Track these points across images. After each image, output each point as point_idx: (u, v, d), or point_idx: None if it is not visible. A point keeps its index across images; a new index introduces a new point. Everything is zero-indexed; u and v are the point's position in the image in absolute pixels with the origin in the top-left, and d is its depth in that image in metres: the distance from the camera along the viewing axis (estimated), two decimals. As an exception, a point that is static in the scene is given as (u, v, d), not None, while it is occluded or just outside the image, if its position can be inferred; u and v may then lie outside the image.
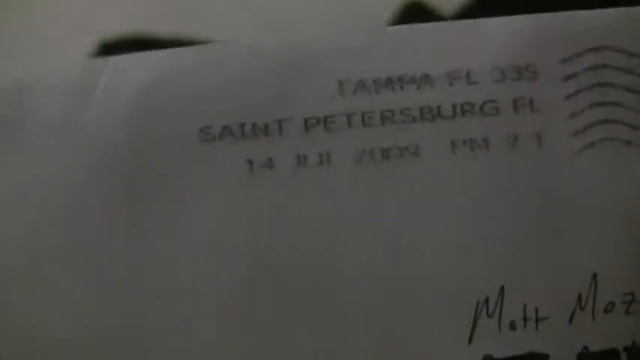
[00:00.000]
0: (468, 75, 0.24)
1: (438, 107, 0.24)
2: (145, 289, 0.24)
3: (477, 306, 0.25)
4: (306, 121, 0.24)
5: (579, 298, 0.25)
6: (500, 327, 0.25)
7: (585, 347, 0.25)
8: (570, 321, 0.25)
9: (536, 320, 0.25)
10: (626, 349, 0.25)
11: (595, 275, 0.25)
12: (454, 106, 0.24)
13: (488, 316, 0.25)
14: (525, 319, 0.25)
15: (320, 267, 0.24)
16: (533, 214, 0.25)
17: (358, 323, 0.25)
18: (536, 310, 0.25)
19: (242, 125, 0.24)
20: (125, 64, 0.24)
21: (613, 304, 0.25)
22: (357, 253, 0.24)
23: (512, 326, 0.25)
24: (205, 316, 0.24)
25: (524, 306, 0.25)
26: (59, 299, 0.24)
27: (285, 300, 0.24)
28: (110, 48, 0.30)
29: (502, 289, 0.25)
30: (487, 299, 0.25)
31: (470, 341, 0.25)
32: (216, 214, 0.24)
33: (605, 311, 0.25)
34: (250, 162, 0.24)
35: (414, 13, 0.33)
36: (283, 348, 0.25)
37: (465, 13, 0.33)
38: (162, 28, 0.28)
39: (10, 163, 0.24)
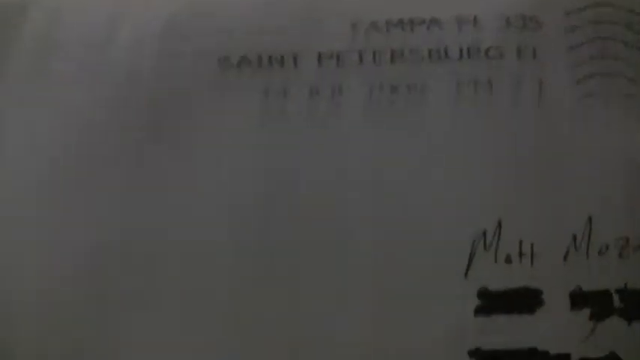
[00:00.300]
0: (475, 20, 0.26)
1: (446, 48, 0.26)
2: (166, 204, 0.25)
3: (475, 239, 0.26)
4: (319, 55, 0.26)
5: (574, 238, 0.26)
6: (496, 260, 0.26)
7: (578, 286, 0.26)
8: (565, 259, 0.26)
9: (532, 256, 0.26)
10: (618, 291, 0.26)
11: (590, 218, 0.26)
12: (461, 49, 0.26)
13: (485, 249, 0.26)
14: (521, 254, 0.26)
15: (328, 194, 0.26)
16: (533, 155, 0.26)
17: (361, 252, 0.26)
18: (532, 246, 0.26)
19: (259, 56, 0.26)
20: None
21: (607, 246, 0.26)
22: (363, 182, 0.26)
23: (508, 260, 0.26)
24: (220, 236, 0.25)
25: (521, 242, 0.26)
26: (88, 209, 0.25)
27: (294, 228, 0.26)
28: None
29: (500, 222, 0.26)
30: (485, 232, 0.26)
31: (466, 274, 0.26)
32: (232, 138, 0.26)
33: (599, 253, 0.26)
34: (266, 91, 0.26)
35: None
36: (291, 273, 0.26)
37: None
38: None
39: (45, 80, 0.26)
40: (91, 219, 0.24)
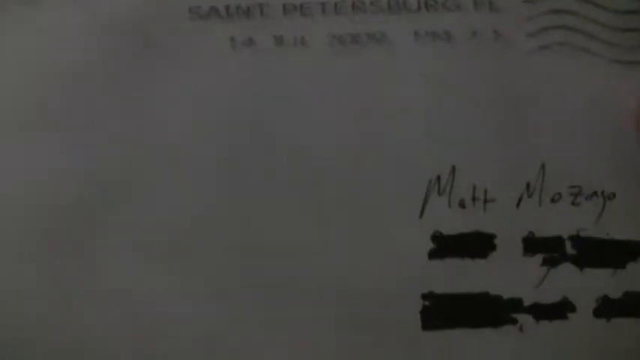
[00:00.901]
0: None
1: (405, 1, 0.27)
2: (142, 141, 0.26)
3: (429, 183, 0.26)
4: (284, 5, 0.27)
5: (527, 185, 0.26)
6: (450, 204, 0.26)
7: (531, 232, 0.26)
8: (517, 206, 0.26)
9: (485, 201, 0.26)
10: (571, 238, 0.26)
11: (544, 165, 0.26)
12: (419, 1, 0.27)
13: (439, 194, 0.26)
14: (474, 199, 0.26)
15: (295, 135, 0.26)
16: (489, 103, 0.26)
17: (329, 192, 0.26)
18: (485, 191, 0.26)
19: (227, 6, 0.27)
20: None
21: (560, 194, 0.26)
22: (326, 127, 0.26)
23: (462, 204, 0.26)
24: (192, 173, 0.26)
25: (474, 187, 0.26)
26: (69, 142, 0.26)
27: (265, 171, 0.26)
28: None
29: (453, 168, 0.26)
30: (439, 177, 0.26)
31: (421, 216, 0.26)
32: (202, 83, 0.27)
33: (552, 201, 0.26)
34: (233, 39, 0.27)
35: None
36: (267, 214, 0.26)
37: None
38: None
39: (29, 29, 0.27)
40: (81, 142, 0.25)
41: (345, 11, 0.27)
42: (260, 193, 0.26)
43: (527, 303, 0.26)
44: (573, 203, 0.26)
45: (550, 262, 0.26)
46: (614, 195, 0.26)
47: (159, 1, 0.27)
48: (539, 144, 0.26)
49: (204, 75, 0.26)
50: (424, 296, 0.26)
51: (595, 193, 0.26)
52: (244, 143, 0.26)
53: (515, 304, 0.26)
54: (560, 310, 0.26)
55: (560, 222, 0.26)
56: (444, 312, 0.26)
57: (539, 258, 0.26)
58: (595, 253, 0.26)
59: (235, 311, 0.26)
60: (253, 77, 0.26)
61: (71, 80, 0.26)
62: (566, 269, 0.26)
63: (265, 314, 0.26)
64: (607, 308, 0.26)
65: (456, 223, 0.26)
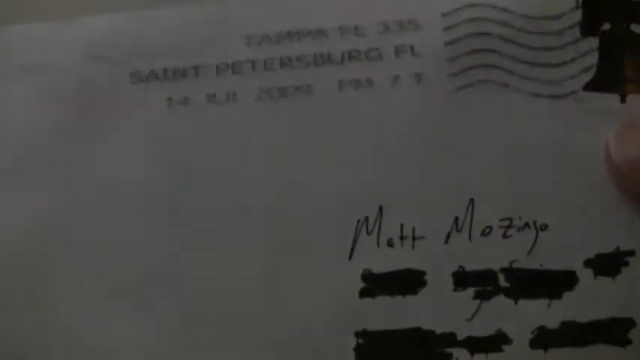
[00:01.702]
0: (356, 28, 0.28)
1: (329, 54, 0.28)
2: (87, 195, 0.29)
3: (358, 224, 0.27)
4: (217, 66, 0.29)
5: (456, 220, 0.27)
6: (378, 244, 0.27)
7: (461, 266, 0.27)
8: (446, 242, 0.27)
9: (413, 239, 0.27)
10: (502, 270, 0.27)
11: (472, 200, 0.27)
12: (342, 53, 0.28)
13: (368, 233, 0.27)
14: (402, 238, 0.27)
15: (228, 183, 0.28)
16: (413, 143, 0.27)
17: (258, 236, 0.27)
18: (413, 229, 0.27)
19: (165, 70, 0.29)
20: (74, 25, 0.30)
21: (490, 227, 0.27)
22: (257, 174, 0.28)
23: (390, 244, 0.27)
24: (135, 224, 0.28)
25: (402, 225, 0.27)
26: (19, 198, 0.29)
27: (201, 219, 0.28)
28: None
29: (381, 208, 0.27)
30: (367, 218, 0.27)
31: (350, 256, 0.27)
32: (143, 141, 0.29)
33: (483, 234, 0.27)
34: (170, 99, 0.29)
35: None
36: (207, 260, 0.28)
37: None
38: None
39: None
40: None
41: (273, 67, 0.28)
42: (198, 237, 0.27)
43: (460, 337, 0.26)
44: (504, 236, 0.26)
45: (482, 296, 0.26)
46: (546, 226, 0.26)
47: (102, 67, 0.29)
48: (467, 180, 0.27)
49: (145, 133, 0.28)
50: (357, 334, 0.27)
51: (527, 224, 0.26)
52: (183, 191, 0.28)
53: (449, 339, 0.26)
54: (495, 342, 0.26)
55: (492, 255, 0.26)
56: (378, 349, 0.26)
57: (471, 292, 0.26)
58: (529, 284, 0.26)
59: (170, 348, 0.27)
60: (188, 133, 0.28)
61: (22, 143, 0.29)
62: (500, 301, 0.26)
63: (199, 350, 0.27)
64: (544, 339, 0.26)
65: (385, 262, 0.27)
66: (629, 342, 0.26)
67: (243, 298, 0.27)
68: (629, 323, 0.26)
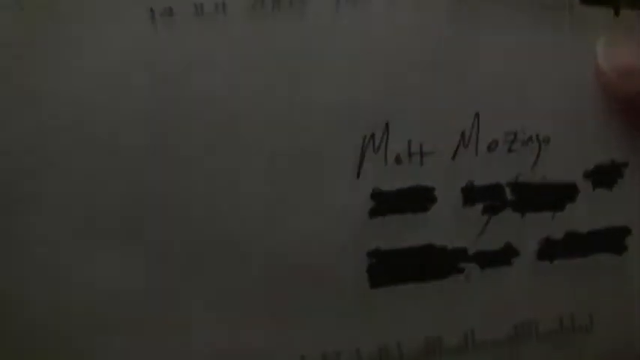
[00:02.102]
0: None
1: None
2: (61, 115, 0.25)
3: (364, 142, 0.26)
4: None
5: (462, 135, 0.26)
6: (386, 161, 0.26)
7: (470, 182, 0.26)
8: (454, 157, 0.26)
9: (421, 155, 0.26)
10: (509, 184, 0.27)
11: (477, 114, 0.26)
12: None
13: (375, 151, 0.26)
14: (410, 154, 0.26)
15: (219, 100, 0.26)
16: (416, 58, 0.26)
17: (261, 159, 0.26)
18: (421, 145, 0.26)
19: None
20: None
21: (496, 142, 0.26)
22: (252, 89, 0.26)
23: (398, 160, 0.26)
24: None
25: (409, 142, 0.26)
26: None
27: (194, 136, 0.26)
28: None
29: (387, 125, 0.26)
30: (373, 135, 0.26)
31: (358, 175, 0.26)
32: (121, 57, 0.26)
33: (489, 149, 0.26)
34: (152, 10, 0.26)
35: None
36: (198, 178, 0.26)
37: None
38: None
39: None
40: None
41: None
42: (187, 157, 0.25)
43: (471, 252, 0.26)
44: (510, 150, 0.26)
45: (491, 210, 0.26)
46: (548, 139, 0.27)
47: None
48: (472, 94, 0.26)
49: (125, 47, 0.25)
50: (369, 254, 0.26)
51: (530, 138, 0.26)
52: (169, 110, 0.25)
53: (460, 254, 0.26)
54: (504, 256, 0.26)
55: (498, 169, 0.26)
56: (390, 268, 0.26)
57: (479, 207, 0.26)
58: (534, 197, 0.27)
59: (164, 280, 0.25)
60: (174, 48, 0.26)
61: None
62: (507, 215, 0.26)
63: (197, 280, 0.25)
64: (550, 250, 0.27)
65: (394, 180, 0.26)
66: (625, 249, 0.27)
67: (246, 217, 0.25)
68: (625, 231, 0.27)
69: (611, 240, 0.27)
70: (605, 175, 0.27)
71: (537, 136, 0.26)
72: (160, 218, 0.25)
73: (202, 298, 0.25)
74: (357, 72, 0.26)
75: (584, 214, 0.27)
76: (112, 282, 0.25)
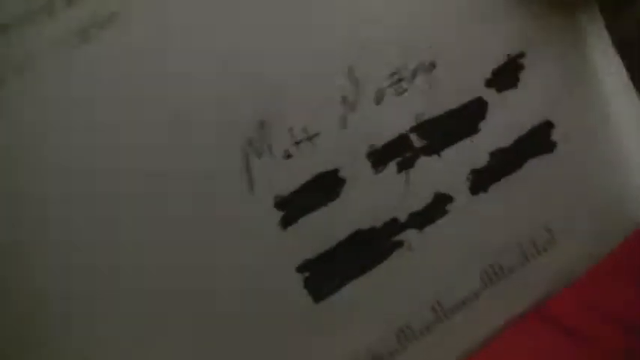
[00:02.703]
0: None
1: None
2: None
3: (243, 151, 0.22)
4: None
5: (344, 100, 0.23)
6: (275, 161, 0.22)
7: (371, 145, 0.23)
8: (344, 126, 0.23)
9: (309, 139, 0.23)
10: (412, 129, 0.24)
11: (351, 69, 0.23)
12: None
13: (258, 156, 0.22)
14: (297, 143, 0.23)
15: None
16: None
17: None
18: (305, 129, 0.23)
19: None
20: None
21: (382, 90, 0.23)
22: None
23: (288, 155, 0.23)
24: None
25: (291, 130, 0.23)
26: None
27: None
28: None
29: (262, 124, 0.22)
30: (250, 141, 0.22)
31: (252, 189, 0.22)
32: None
33: (377, 103, 0.23)
34: None
35: None
36: None
37: None
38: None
39: None
40: None
41: None
42: None
43: (402, 219, 0.23)
44: (398, 93, 0.23)
45: (405, 164, 0.23)
46: (434, 64, 0.23)
47: None
48: (340, 46, 0.22)
49: None
50: (299, 269, 0.23)
51: (414, 71, 0.23)
52: None
53: (392, 227, 0.23)
54: (437, 207, 0.24)
55: (395, 119, 0.23)
56: (327, 274, 0.23)
57: (392, 167, 0.23)
58: (443, 132, 0.24)
59: None
60: None
61: None
62: (424, 163, 0.24)
63: None
64: (480, 180, 0.24)
65: (292, 177, 0.22)
66: (555, 144, 0.25)
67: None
68: (548, 125, 0.25)
69: (538, 141, 0.25)
70: (506, 74, 0.24)
71: (422, 64, 0.23)
72: None
73: None
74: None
75: (501, 125, 0.24)
76: None
